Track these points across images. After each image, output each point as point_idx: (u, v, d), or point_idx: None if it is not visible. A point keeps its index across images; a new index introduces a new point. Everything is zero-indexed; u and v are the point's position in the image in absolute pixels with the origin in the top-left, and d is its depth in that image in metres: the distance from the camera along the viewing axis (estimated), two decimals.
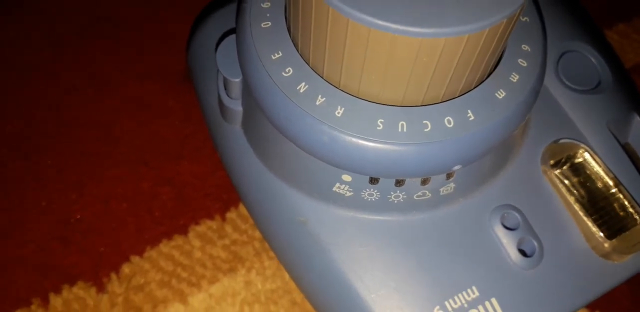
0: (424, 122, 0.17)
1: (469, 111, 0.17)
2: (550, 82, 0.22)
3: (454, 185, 0.19)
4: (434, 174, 0.18)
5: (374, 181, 0.18)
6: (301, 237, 0.20)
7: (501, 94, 0.17)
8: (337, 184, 0.19)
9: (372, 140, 0.16)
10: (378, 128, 0.16)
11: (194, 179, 0.27)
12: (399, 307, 0.19)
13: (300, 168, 0.19)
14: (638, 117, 0.23)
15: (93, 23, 0.30)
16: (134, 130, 0.28)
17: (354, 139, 0.17)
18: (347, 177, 0.18)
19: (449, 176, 0.19)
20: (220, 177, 0.27)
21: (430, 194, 0.19)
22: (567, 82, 0.23)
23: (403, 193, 0.19)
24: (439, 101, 0.17)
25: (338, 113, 0.17)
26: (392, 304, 0.19)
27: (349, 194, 0.19)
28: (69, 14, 0.31)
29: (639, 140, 0.22)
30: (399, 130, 0.16)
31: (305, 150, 0.18)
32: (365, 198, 0.19)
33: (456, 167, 0.17)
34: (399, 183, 0.18)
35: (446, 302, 0.19)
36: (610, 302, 0.25)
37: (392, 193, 0.19)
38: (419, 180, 0.18)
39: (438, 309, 0.19)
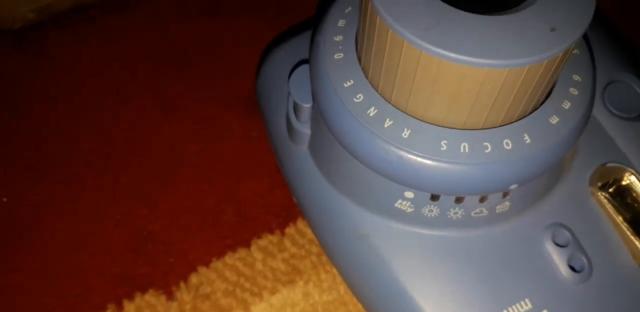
0: (484, 144, 0.18)
1: (525, 135, 0.18)
2: (597, 109, 0.24)
3: (509, 203, 0.20)
4: (492, 192, 0.19)
5: (435, 197, 0.20)
6: (363, 250, 0.22)
7: (554, 120, 0.19)
8: (399, 201, 0.20)
9: (437, 160, 0.18)
10: (442, 149, 0.18)
11: (255, 196, 0.28)
12: None
13: (365, 185, 0.21)
14: None
15: (163, 48, 0.33)
16: (199, 151, 0.30)
17: (420, 159, 0.18)
18: (409, 194, 0.20)
19: (505, 194, 0.20)
20: (278, 195, 0.29)
21: (487, 212, 0.20)
22: (613, 110, 0.24)
23: (462, 210, 0.20)
24: (498, 125, 0.19)
25: (405, 135, 0.18)
26: None
27: (410, 210, 0.21)
28: (141, 39, 0.33)
29: None
30: (461, 151, 0.18)
31: (372, 169, 0.19)
32: (425, 214, 0.20)
33: (513, 186, 0.19)
34: (459, 200, 0.20)
35: None
36: None
37: (451, 210, 0.20)
38: (477, 197, 0.20)
39: None
